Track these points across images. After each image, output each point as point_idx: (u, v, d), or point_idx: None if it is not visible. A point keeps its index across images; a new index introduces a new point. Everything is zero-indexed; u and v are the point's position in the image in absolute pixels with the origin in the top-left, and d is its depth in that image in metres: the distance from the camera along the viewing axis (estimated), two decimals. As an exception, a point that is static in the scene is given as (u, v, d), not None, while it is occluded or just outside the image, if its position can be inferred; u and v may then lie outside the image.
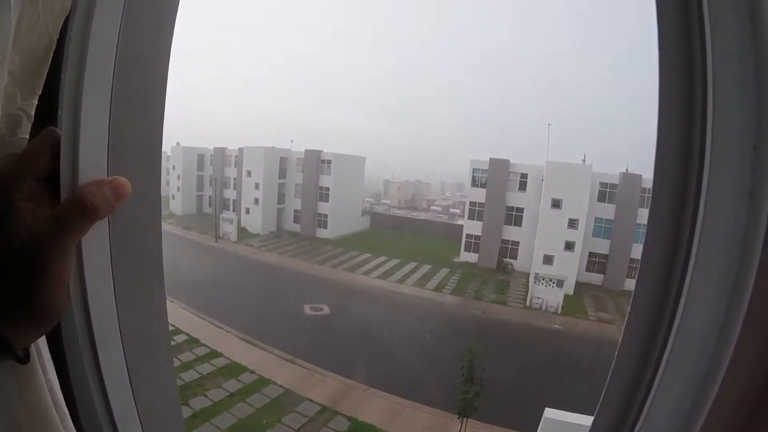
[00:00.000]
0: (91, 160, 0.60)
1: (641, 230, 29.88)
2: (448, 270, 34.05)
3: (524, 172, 35.52)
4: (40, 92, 0.56)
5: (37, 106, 0.57)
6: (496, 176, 35.64)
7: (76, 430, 0.67)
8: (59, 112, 0.62)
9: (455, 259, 37.18)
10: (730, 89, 0.65)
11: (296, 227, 45.40)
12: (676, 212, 0.72)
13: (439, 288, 29.79)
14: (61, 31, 0.56)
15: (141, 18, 0.63)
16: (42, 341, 0.61)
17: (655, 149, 0.72)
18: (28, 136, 0.57)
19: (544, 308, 26.79)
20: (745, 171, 0.65)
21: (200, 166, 52.12)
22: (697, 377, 0.71)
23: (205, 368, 16.90)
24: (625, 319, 0.78)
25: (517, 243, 35.53)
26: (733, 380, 0.66)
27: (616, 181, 32.14)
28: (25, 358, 0.55)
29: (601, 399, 0.81)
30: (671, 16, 0.69)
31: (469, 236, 37.12)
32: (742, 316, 0.64)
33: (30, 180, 0.55)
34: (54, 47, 0.55)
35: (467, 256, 36.92)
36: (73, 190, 0.57)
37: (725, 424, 0.68)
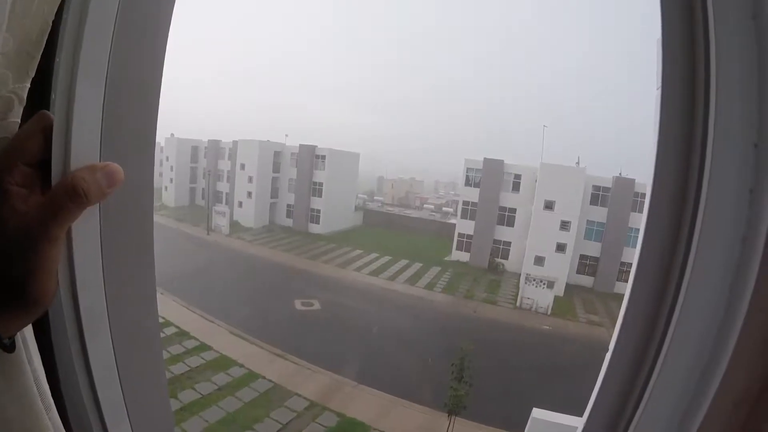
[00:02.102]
0: (83, 145, 0.59)
1: (633, 234, 30.11)
2: (439, 268, 34.11)
3: (518, 172, 35.63)
4: (33, 75, 0.55)
5: (30, 89, 0.56)
6: (489, 176, 35.73)
7: (62, 420, 0.66)
8: (52, 96, 0.61)
9: (447, 258, 37.26)
10: (731, 87, 0.65)
11: (289, 222, 45.31)
12: (676, 209, 0.72)
13: (430, 286, 29.84)
14: (56, 14, 0.55)
15: (138, 5, 0.62)
16: (28, 331, 0.60)
17: (656, 146, 0.72)
18: (19, 120, 0.56)
19: (534, 309, 26.91)
20: (746, 168, 0.66)
21: (194, 158, 51.81)
22: (694, 379, 0.71)
23: (195, 361, 16.84)
24: (621, 317, 0.78)
25: (509, 243, 35.66)
26: (731, 382, 0.66)
27: (609, 185, 32.33)
28: (11, 347, 0.54)
29: (593, 400, 0.81)
30: (675, 14, 0.69)
31: (461, 235, 37.22)
32: (743, 316, 0.64)
33: (22, 164, 0.54)
34: (49, 30, 0.54)
35: (459, 255, 37.01)
36: (65, 176, 0.56)
37: (722, 427, 0.68)
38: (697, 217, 0.68)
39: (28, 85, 0.55)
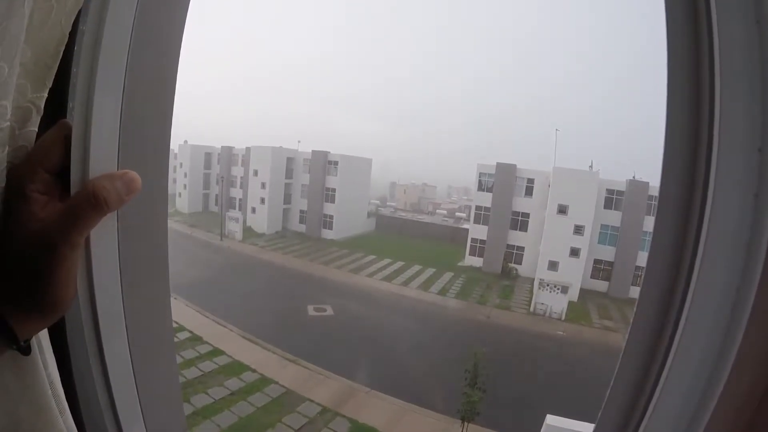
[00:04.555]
0: (101, 154, 0.60)
1: (647, 238, 29.64)
2: (452, 274, 33.97)
3: (531, 177, 35.44)
4: (50, 85, 0.56)
5: (46, 99, 0.57)
6: (502, 181, 35.56)
7: (77, 424, 0.67)
8: (70, 105, 0.62)
9: (460, 263, 37.10)
10: (736, 92, 0.65)
11: (302, 227, 45.47)
12: (683, 214, 0.72)
13: (443, 292, 29.72)
14: (73, 25, 0.56)
15: (153, 15, 0.63)
16: (44, 334, 0.61)
17: (663, 151, 0.73)
18: (36, 129, 0.57)
19: (548, 314, 26.64)
20: (751, 173, 0.66)
21: (207, 164, 52.29)
22: (700, 384, 0.71)
23: (207, 366, 16.90)
24: (630, 323, 0.78)
25: (522, 248, 35.41)
26: (735, 386, 0.66)
27: (622, 188, 31.94)
28: (26, 350, 0.55)
29: (603, 405, 0.81)
30: (680, 21, 0.70)
31: (474, 240, 37.04)
32: (746, 320, 0.64)
33: (43, 172, 0.55)
34: (66, 41, 0.55)
35: (472, 261, 36.84)
36: (84, 184, 0.57)
37: (727, 429, 0.68)
38: (703, 222, 0.68)
39: (46, 95, 0.56)
